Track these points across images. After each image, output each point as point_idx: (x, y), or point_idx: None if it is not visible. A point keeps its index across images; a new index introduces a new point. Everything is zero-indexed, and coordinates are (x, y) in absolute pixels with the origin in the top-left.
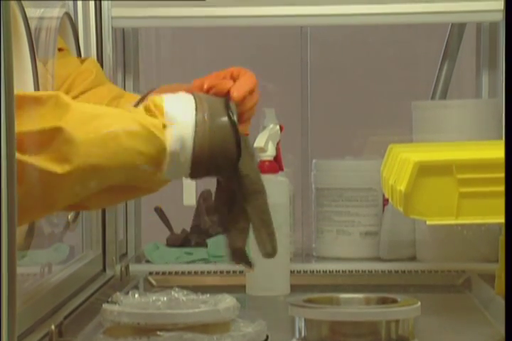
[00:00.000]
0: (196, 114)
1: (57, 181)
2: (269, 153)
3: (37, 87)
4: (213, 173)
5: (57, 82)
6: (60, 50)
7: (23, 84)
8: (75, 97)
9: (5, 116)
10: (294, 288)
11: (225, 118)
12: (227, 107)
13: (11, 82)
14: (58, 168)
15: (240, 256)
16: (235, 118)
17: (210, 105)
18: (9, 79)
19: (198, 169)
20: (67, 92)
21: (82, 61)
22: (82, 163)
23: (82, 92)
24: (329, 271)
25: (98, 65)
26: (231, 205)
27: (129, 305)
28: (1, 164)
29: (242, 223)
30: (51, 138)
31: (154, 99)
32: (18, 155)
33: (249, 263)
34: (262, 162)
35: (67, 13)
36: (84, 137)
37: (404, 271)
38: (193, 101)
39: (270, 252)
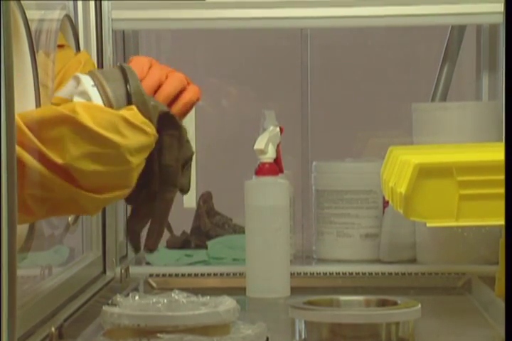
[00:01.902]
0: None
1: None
2: (270, 155)
3: (37, 88)
4: None
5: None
6: (60, 46)
7: (23, 86)
8: None
9: (5, 116)
10: (294, 290)
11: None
12: (125, 76)
13: (11, 83)
14: None
15: (134, 238)
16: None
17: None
18: (9, 80)
19: None
20: (59, 84)
21: (76, 55)
22: None
23: None
24: (329, 273)
25: (89, 56)
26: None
27: (129, 307)
28: (1, 164)
29: (146, 210)
30: None
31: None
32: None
33: (137, 247)
34: (262, 164)
35: (67, 15)
36: None
37: (404, 273)
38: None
39: (150, 248)
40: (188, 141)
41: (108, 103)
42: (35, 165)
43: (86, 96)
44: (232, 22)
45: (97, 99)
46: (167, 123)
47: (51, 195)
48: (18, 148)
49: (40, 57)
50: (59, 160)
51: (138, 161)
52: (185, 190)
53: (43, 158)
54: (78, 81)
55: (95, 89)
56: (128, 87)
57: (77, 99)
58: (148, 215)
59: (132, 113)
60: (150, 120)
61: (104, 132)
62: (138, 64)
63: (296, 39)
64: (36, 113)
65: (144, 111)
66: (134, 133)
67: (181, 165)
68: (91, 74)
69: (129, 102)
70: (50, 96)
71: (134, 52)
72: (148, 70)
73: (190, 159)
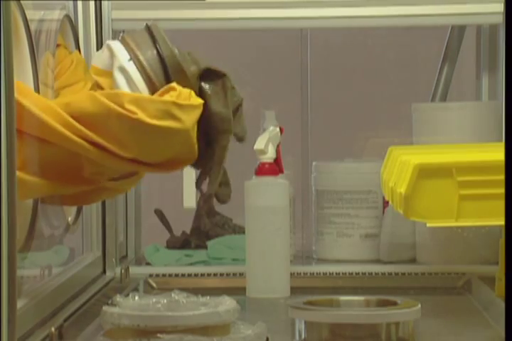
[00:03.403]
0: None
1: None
2: (270, 155)
3: (37, 89)
4: None
5: None
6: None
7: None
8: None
9: (5, 116)
10: (294, 290)
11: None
12: (154, 38)
13: (12, 84)
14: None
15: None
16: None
17: (136, 43)
18: (10, 80)
19: None
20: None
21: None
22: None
23: (63, 87)
24: (329, 273)
25: (81, 56)
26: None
27: (129, 307)
28: (1, 164)
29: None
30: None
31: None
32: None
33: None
34: (262, 164)
35: (67, 16)
36: None
37: (404, 273)
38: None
39: (214, 192)
40: (233, 88)
41: (147, 77)
42: (96, 154)
43: (125, 74)
44: (232, 22)
45: (136, 77)
46: (208, 74)
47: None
48: (74, 137)
49: (47, 57)
50: (126, 154)
51: (196, 133)
52: (240, 136)
53: (105, 151)
54: (111, 52)
55: (132, 63)
56: (160, 51)
57: (117, 75)
58: (209, 164)
59: (177, 93)
60: (190, 83)
61: (162, 123)
62: None
63: (296, 39)
64: (79, 103)
65: (182, 78)
66: (187, 113)
67: (232, 111)
68: (123, 42)
69: (164, 66)
70: (50, 95)
71: None
72: None
73: (240, 105)
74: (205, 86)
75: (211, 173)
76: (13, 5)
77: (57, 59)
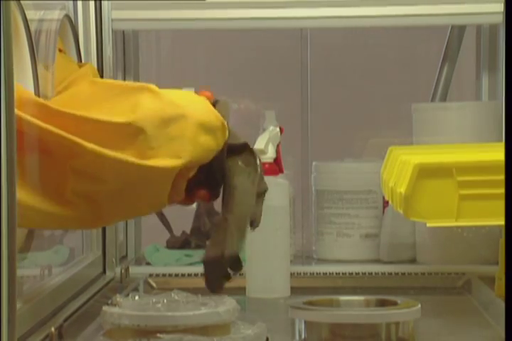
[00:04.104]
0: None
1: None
2: (269, 155)
3: (37, 89)
4: (207, 178)
5: (55, 85)
6: (58, 50)
7: (23, 86)
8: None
9: (5, 116)
10: (294, 290)
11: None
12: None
13: (12, 84)
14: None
15: (214, 270)
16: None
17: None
18: (10, 81)
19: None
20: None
21: (80, 66)
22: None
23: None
24: (329, 273)
25: (95, 69)
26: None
27: (129, 307)
28: (1, 164)
29: (221, 234)
30: (134, 136)
31: None
32: (107, 151)
33: (220, 287)
34: (262, 164)
35: (67, 16)
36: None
37: (404, 273)
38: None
39: (233, 255)
40: (262, 178)
41: None
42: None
43: None
44: (232, 22)
45: None
46: (240, 149)
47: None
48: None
49: (40, 69)
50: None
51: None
52: (254, 221)
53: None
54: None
55: None
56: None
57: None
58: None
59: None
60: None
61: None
62: None
63: (296, 39)
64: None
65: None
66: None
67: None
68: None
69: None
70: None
71: (133, 52)
72: None
73: (264, 193)
74: (238, 160)
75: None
76: (13, 5)
77: (63, 70)
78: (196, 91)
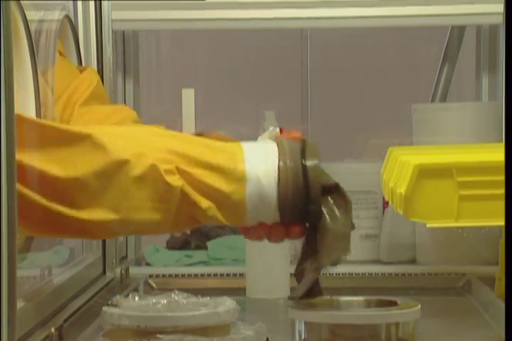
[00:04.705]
0: (279, 160)
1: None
2: None
3: (37, 89)
4: (300, 219)
5: (57, 90)
6: (58, 53)
7: (23, 87)
8: (73, 110)
9: (5, 115)
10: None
11: (304, 163)
12: (303, 150)
13: (11, 84)
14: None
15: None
16: (313, 161)
17: (290, 148)
18: (9, 80)
19: (286, 214)
20: (67, 102)
21: (81, 70)
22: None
23: (82, 104)
24: (329, 274)
25: (98, 75)
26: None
27: (129, 307)
28: (1, 165)
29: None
30: (75, 189)
31: (232, 145)
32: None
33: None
34: None
35: (67, 16)
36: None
37: (404, 274)
38: (275, 145)
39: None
40: (351, 217)
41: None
42: None
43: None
44: (232, 22)
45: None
46: (334, 192)
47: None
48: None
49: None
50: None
51: None
52: (336, 261)
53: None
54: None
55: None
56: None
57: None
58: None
59: None
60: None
61: None
62: None
63: (296, 39)
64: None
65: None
66: None
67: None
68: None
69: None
70: (50, 116)
71: (133, 52)
72: None
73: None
74: (330, 201)
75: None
76: (13, 5)
77: (64, 76)
78: (285, 130)
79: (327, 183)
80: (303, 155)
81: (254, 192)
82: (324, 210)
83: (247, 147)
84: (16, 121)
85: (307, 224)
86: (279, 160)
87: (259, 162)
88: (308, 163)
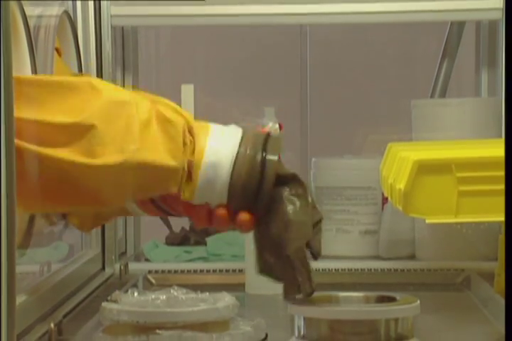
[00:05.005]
0: (240, 146)
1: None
2: None
3: None
4: (247, 207)
5: None
6: (56, 50)
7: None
8: None
9: (5, 112)
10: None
11: (262, 154)
12: (266, 141)
13: (11, 80)
14: (90, 161)
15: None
16: (273, 153)
17: (254, 138)
18: (8, 76)
19: (233, 199)
20: None
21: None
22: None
23: None
24: (328, 270)
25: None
26: (278, 254)
27: (129, 303)
28: (1, 162)
29: (291, 273)
30: (82, 134)
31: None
32: (42, 149)
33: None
34: None
35: (66, 12)
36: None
37: (403, 270)
38: (240, 132)
39: (309, 292)
40: (315, 207)
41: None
42: None
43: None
44: (231, 18)
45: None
46: (291, 182)
47: None
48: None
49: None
50: None
51: None
52: (316, 254)
53: None
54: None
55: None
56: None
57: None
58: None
59: None
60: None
61: None
62: None
63: (295, 35)
64: None
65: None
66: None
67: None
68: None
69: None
70: None
71: (133, 48)
72: None
73: (320, 222)
74: (285, 191)
75: (300, 275)
76: (12, 1)
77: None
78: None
79: (284, 173)
80: (264, 146)
81: (209, 168)
82: (283, 199)
83: (215, 127)
84: (15, 82)
85: (257, 215)
86: (240, 145)
87: (222, 142)
88: (268, 154)
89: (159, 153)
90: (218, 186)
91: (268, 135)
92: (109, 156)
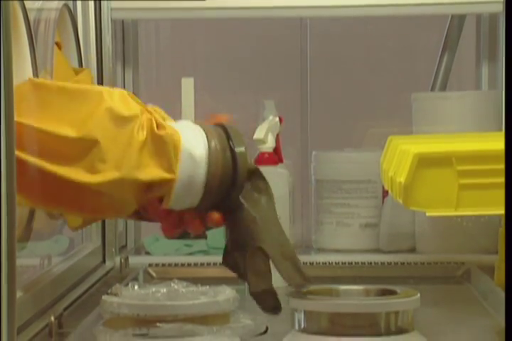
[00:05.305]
0: (208, 141)
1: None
2: (269, 144)
3: (36, 78)
4: (216, 206)
5: None
6: (56, 44)
7: (22, 76)
8: None
9: (5, 109)
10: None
11: (230, 147)
12: (228, 134)
13: (10, 76)
14: (89, 180)
15: (267, 299)
16: (240, 146)
17: (216, 132)
18: (8, 72)
19: (206, 198)
20: None
21: (77, 72)
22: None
23: None
24: (329, 263)
25: (93, 77)
26: (244, 248)
27: (129, 296)
28: (1, 161)
29: (261, 264)
30: (85, 150)
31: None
32: (44, 163)
33: (278, 307)
34: (262, 154)
35: (66, 5)
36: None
37: (403, 263)
38: (200, 129)
39: (300, 282)
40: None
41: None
42: None
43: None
44: (232, 11)
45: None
46: (252, 175)
47: None
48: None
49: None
50: None
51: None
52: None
53: None
54: None
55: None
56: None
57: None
58: (267, 270)
59: None
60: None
61: None
62: None
63: (295, 28)
64: None
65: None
66: None
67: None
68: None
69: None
70: None
71: (133, 41)
72: None
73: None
74: (248, 185)
75: (283, 269)
76: None
77: (60, 76)
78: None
79: (251, 168)
80: (228, 139)
81: (186, 171)
82: (247, 196)
83: (182, 129)
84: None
85: (225, 212)
86: (208, 141)
87: (193, 141)
88: (236, 146)
89: (154, 168)
90: (195, 187)
91: (224, 126)
92: (108, 173)
